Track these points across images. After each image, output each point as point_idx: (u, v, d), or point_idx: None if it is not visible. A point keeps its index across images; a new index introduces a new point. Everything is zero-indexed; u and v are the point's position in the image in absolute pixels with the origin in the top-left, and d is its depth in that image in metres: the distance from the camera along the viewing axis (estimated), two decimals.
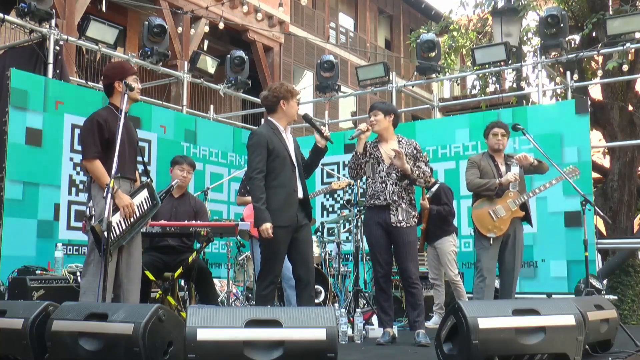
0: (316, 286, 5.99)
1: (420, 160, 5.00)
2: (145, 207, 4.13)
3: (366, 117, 5.45)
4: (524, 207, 5.22)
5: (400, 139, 5.04)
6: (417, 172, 4.90)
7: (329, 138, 4.47)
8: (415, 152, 5.00)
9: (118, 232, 3.89)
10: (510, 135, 5.36)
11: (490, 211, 5.13)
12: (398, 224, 4.86)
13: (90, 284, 3.89)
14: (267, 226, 4.14)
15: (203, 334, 2.91)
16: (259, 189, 4.21)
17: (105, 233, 3.62)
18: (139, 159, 4.33)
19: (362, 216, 5.82)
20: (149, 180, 4.26)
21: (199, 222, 5.27)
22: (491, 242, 5.13)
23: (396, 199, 4.88)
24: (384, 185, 4.92)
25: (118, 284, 4.01)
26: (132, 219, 3.99)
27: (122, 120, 3.91)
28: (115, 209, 3.88)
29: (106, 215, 3.63)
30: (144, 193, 4.15)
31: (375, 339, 4.99)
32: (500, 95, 8.97)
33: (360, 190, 6.86)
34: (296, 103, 4.47)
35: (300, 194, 4.37)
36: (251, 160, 4.30)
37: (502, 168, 5.25)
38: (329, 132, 4.50)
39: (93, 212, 3.96)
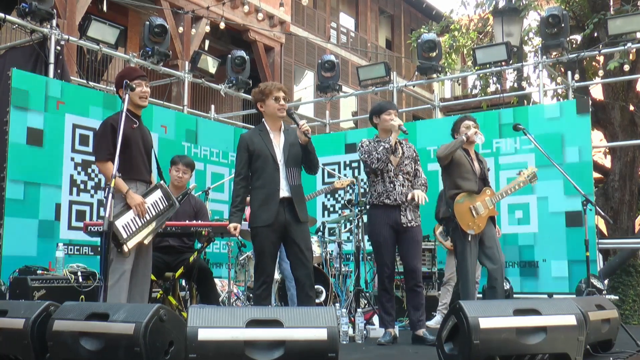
0: (317, 286, 5.99)
1: (418, 164, 5.14)
2: (161, 207, 4.36)
3: (367, 116, 5.46)
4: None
5: (401, 141, 5.11)
6: (424, 190, 5.02)
7: (307, 132, 4.28)
8: (414, 155, 5.14)
9: (134, 229, 4.12)
10: (480, 128, 5.13)
11: (471, 207, 4.95)
12: (408, 224, 4.92)
13: (115, 282, 4.07)
14: (231, 226, 4.33)
15: (204, 334, 2.91)
16: (235, 191, 4.41)
17: (106, 233, 3.65)
18: (154, 161, 4.52)
19: (364, 216, 5.79)
20: (161, 181, 4.46)
21: (199, 222, 5.27)
22: (469, 239, 4.92)
23: (405, 199, 4.94)
24: (392, 185, 4.96)
25: (134, 282, 4.19)
26: (147, 217, 4.20)
27: (123, 119, 4.02)
28: (128, 208, 4.13)
29: (107, 215, 3.67)
30: (158, 193, 4.37)
31: (377, 338, 4.99)
32: (501, 95, 8.97)
33: (362, 190, 6.85)
34: (274, 100, 4.36)
35: (285, 193, 4.31)
36: (235, 164, 4.50)
37: (475, 164, 5.06)
38: (308, 126, 4.29)
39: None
